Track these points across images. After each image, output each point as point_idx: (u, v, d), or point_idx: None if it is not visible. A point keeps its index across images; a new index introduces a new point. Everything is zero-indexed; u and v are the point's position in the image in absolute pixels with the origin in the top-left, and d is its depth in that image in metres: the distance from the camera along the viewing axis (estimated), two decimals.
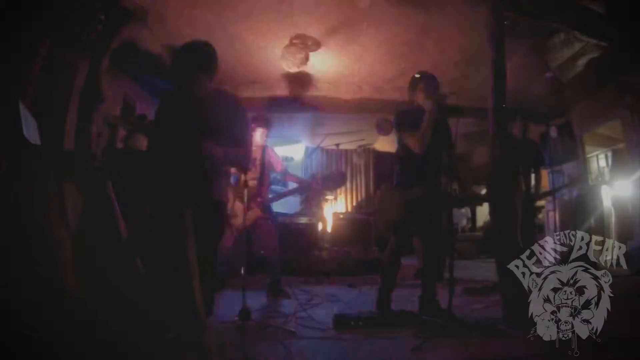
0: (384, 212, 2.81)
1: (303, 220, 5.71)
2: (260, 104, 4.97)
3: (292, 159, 7.42)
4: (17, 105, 2.01)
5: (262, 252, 3.68)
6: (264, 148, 3.58)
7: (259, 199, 3.47)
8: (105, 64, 3.35)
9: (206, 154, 1.91)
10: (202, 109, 2.02)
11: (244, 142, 2.12)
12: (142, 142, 3.84)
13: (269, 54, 4.20)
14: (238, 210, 3.46)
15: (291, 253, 4.87)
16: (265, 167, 3.56)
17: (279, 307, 3.09)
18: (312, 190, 4.24)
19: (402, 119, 2.76)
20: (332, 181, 4.03)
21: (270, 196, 3.72)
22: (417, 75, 2.80)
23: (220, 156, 1.97)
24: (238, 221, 3.41)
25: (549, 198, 4.71)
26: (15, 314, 1.57)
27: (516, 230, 2.66)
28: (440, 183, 2.75)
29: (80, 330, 1.72)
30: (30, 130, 2.07)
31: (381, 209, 2.87)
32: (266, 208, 3.54)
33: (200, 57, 2.02)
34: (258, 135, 3.53)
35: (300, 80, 4.89)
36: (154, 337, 1.77)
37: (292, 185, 4.14)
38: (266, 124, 3.58)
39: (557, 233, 1.97)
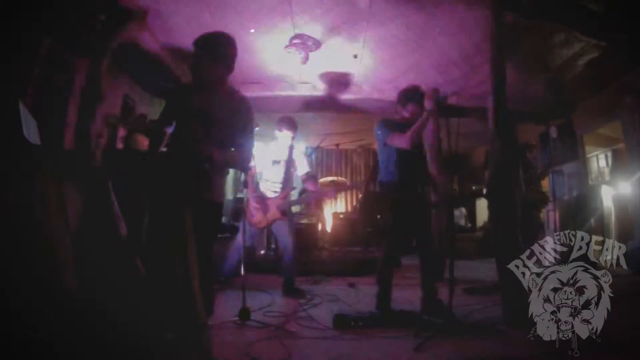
0: (370, 216, 2.84)
1: (303, 220, 5.71)
2: (260, 104, 4.96)
3: None
4: (17, 105, 2.01)
5: (280, 251, 3.72)
6: (290, 149, 3.57)
7: (278, 201, 3.49)
8: (105, 64, 3.34)
9: (207, 156, 1.91)
10: (210, 100, 2.02)
11: (245, 143, 2.12)
12: (142, 142, 3.84)
13: (269, 54, 4.19)
14: (254, 210, 3.47)
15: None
16: (289, 169, 3.57)
17: (279, 307, 3.09)
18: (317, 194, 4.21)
19: (389, 124, 2.84)
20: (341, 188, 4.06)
21: (291, 199, 3.72)
22: (406, 90, 2.89)
23: (220, 160, 1.97)
24: (256, 220, 3.44)
25: (549, 198, 4.71)
26: (15, 314, 1.57)
27: (516, 230, 2.67)
28: (425, 184, 2.79)
29: (80, 330, 1.71)
30: (30, 130, 2.07)
31: (366, 213, 2.90)
32: (286, 210, 3.54)
33: (213, 46, 2.02)
34: (284, 137, 3.54)
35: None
36: (154, 337, 1.77)
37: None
38: (292, 126, 3.56)
39: (557, 233, 1.97)
